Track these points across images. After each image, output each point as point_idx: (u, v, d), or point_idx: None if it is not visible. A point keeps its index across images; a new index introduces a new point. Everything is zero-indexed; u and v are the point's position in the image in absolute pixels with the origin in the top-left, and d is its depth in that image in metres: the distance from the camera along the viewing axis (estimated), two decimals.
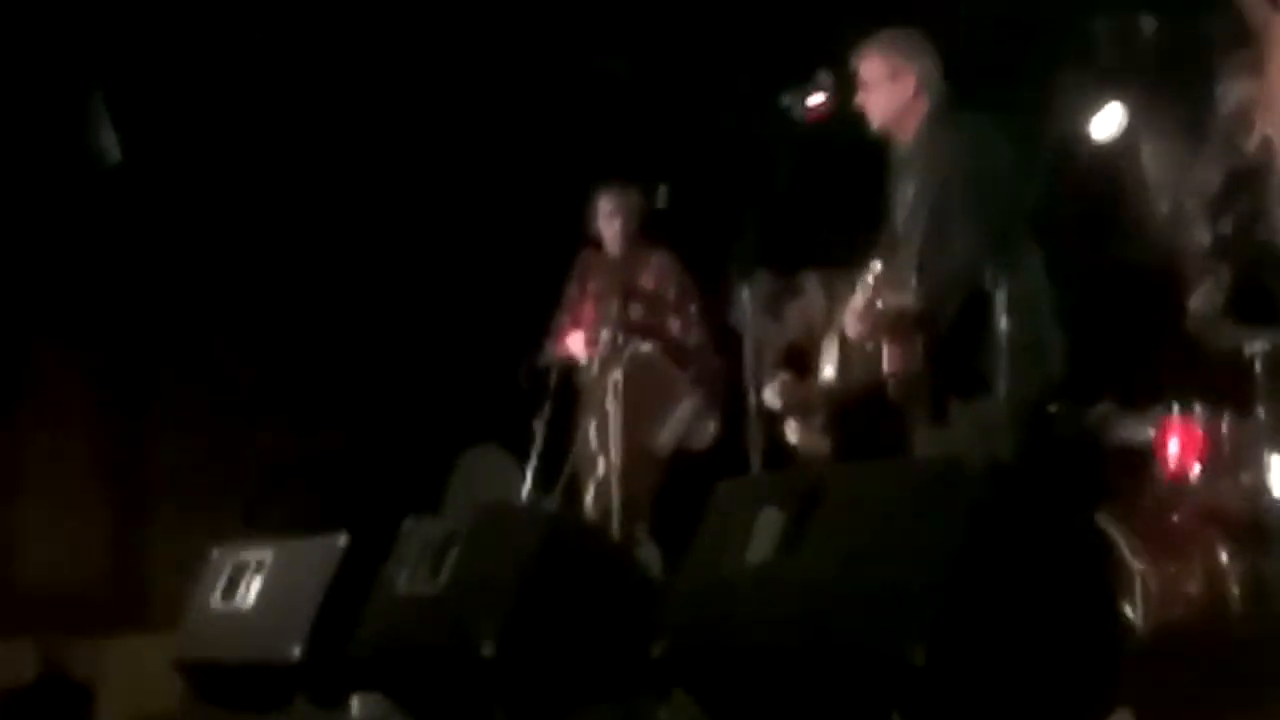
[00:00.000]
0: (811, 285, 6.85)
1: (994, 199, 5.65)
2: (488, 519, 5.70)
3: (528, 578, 5.17)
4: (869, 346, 5.93)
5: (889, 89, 6.01)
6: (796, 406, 6.47)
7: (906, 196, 5.94)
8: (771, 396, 6.43)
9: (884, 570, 4.10)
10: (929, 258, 5.67)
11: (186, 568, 6.87)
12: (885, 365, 5.84)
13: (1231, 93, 5.75)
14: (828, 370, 6.67)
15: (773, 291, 6.76)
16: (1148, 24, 6.37)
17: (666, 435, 7.57)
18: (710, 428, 7.57)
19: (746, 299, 6.39)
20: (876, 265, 5.87)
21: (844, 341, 6.55)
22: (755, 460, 6.10)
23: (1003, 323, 5.42)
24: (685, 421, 7.56)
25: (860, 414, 6.53)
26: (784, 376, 6.50)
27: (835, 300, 6.65)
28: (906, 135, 6.04)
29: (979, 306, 5.55)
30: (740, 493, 4.79)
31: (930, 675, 3.91)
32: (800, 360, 6.69)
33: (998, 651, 4.02)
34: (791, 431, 6.65)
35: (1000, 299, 5.43)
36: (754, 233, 6.45)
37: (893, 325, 5.76)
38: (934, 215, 5.70)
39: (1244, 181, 5.71)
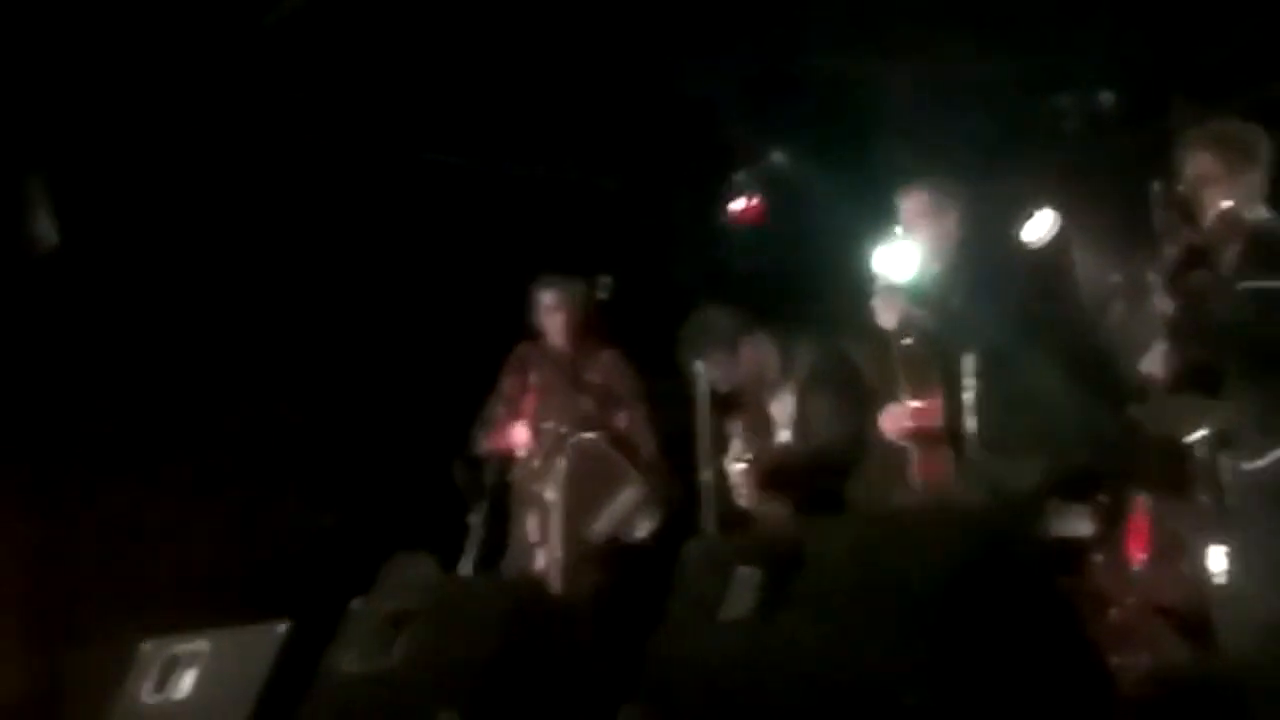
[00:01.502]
0: (764, 337, 7.01)
1: None
2: (442, 592, 5.61)
3: (488, 647, 5.07)
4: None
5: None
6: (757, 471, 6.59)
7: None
8: (735, 459, 6.52)
9: (871, 619, 4.07)
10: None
11: (112, 669, 6.67)
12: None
13: (1189, 164, 5.82)
14: (784, 433, 6.82)
15: (730, 327, 6.91)
16: (1106, 99, 6.50)
17: (603, 522, 7.48)
18: (650, 521, 7.50)
19: (701, 372, 6.47)
20: None
21: (802, 400, 6.74)
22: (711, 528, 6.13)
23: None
24: (626, 509, 7.48)
25: (818, 474, 6.65)
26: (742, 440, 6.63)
27: (787, 358, 6.88)
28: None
29: None
30: (710, 553, 4.74)
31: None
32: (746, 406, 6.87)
33: (986, 700, 3.99)
34: (746, 496, 6.71)
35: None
36: (705, 312, 6.56)
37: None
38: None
39: (1199, 256, 5.77)
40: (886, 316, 6.53)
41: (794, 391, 7.12)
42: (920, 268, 6.71)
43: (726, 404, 7.12)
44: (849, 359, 7.06)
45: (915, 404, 6.43)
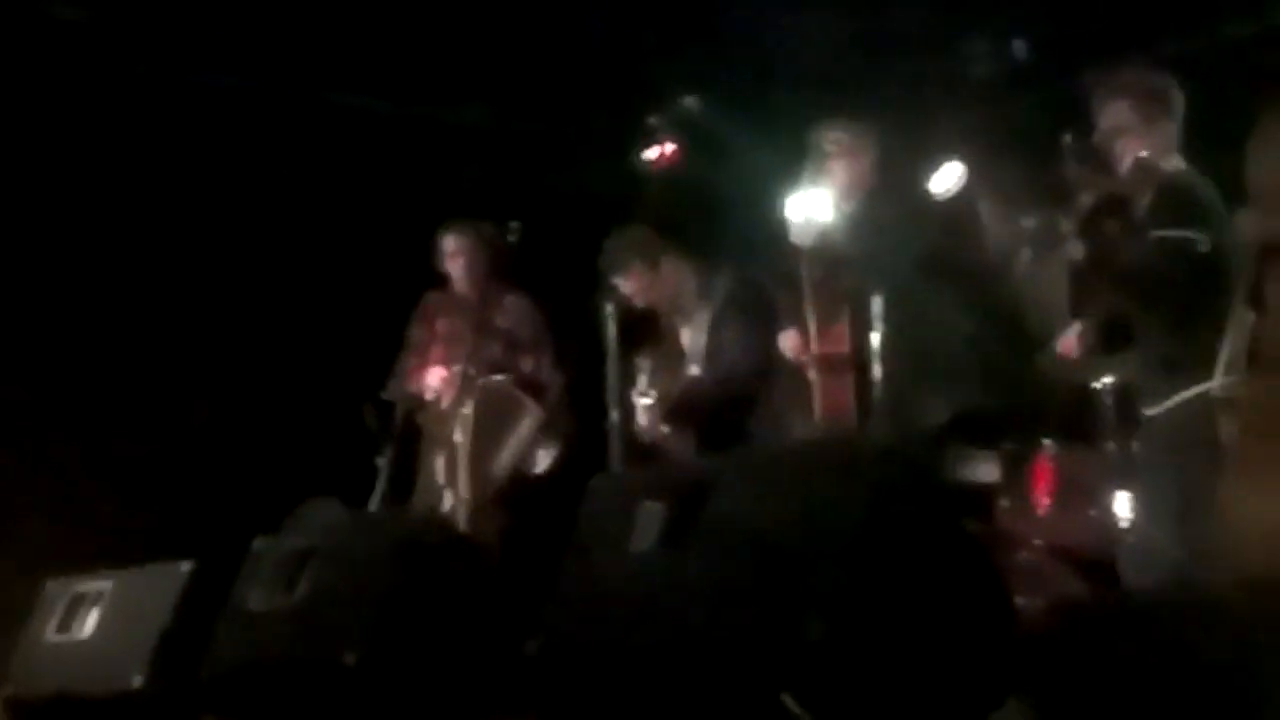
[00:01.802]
0: (684, 261, 7.05)
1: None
2: (345, 529, 5.58)
3: (391, 582, 5.05)
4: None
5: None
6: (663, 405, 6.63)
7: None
8: (640, 394, 6.55)
9: (777, 552, 4.06)
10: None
11: (14, 610, 6.61)
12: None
13: (1105, 115, 5.84)
14: (693, 368, 6.85)
15: (653, 243, 6.94)
16: (1019, 47, 6.51)
17: (505, 456, 7.49)
18: (548, 455, 7.53)
19: (610, 315, 6.48)
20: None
21: (716, 328, 6.77)
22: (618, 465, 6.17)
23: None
24: (524, 441, 7.50)
25: (724, 407, 6.68)
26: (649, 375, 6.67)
27: (704, 284, 6.92)
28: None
29: None
30: (616, 488, 4.73)
31: (825, 653, 3.86)
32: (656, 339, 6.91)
33: (891, 635, 3.98)
34: (651, 430, 6.74)
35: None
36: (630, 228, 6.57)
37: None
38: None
39: (1115, 204, 5.80)
40: (799, 250, 6.56)
41: (708, 319, 7.15)
42: (833, 209, 6.73)
43: (635, 339, 7.12)
44: (765, 290, 7.07)
45: (820, 328, 6.46)
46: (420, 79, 8.36)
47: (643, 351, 7.11)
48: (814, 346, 6.57)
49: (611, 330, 6.69)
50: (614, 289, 7.01)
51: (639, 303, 7.16)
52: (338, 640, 4.97)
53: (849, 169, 6.81)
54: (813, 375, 6.52)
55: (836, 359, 6.53)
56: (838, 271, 6.59)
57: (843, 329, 6.53)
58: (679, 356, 7.19)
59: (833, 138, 6.82)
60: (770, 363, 6.87)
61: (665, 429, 6.94)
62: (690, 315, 7.24)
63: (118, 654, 5.90)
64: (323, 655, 5.00)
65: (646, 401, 6.91)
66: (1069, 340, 6.07)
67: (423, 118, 8.58)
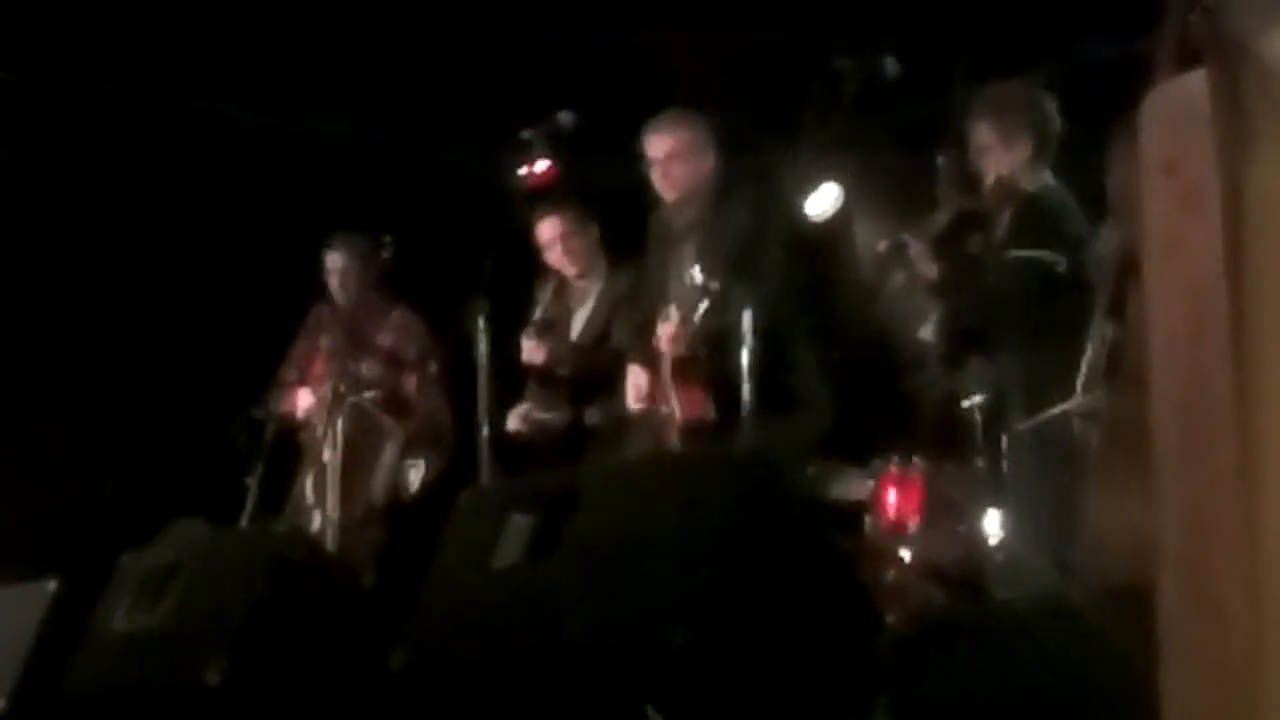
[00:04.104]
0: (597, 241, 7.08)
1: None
2: (210, 546, 5.52)
3: (255, 600, 4.98)
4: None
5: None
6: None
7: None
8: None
9: (641, 561, 4.06)
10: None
11: None
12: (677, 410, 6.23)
13: (971, 134, 5.91)
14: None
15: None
16: (890, 65, 6.52)
17: (375, 479, 7.46)
18: (419, 473, 7.49)
19: (481, 329, 6.46)
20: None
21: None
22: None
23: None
24: (389, 464, 7.48)
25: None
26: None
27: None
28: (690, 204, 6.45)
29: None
30: (484, 501, 4.71)
31: (687, 662, 3.87)
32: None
33: (753, 645, 4.00)
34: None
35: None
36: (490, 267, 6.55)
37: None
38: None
39: (973, 222, 5.86)
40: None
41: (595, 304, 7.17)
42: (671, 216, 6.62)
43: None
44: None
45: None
46: (285, 90, 8.29)
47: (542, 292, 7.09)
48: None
49: (483, 344, 6.67)
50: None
51: (553, 251, 7.14)
52: (201, 659, 4.90)
53: (687, 172, 6.50)
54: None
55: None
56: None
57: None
58: (566, 324, 7.19)
59: (664, 137, 6.52)
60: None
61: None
62: (585, 297, 7.23)
63: None
64: (185, 675, 4.93)
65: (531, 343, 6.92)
66: (928, 329, 6.17)
67: (289, 129, 8.51)
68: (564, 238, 7.11)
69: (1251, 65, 2.03)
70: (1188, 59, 2.08)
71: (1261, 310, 2.00)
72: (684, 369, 6.26)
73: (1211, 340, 2.02)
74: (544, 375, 7.02)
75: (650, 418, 6.33)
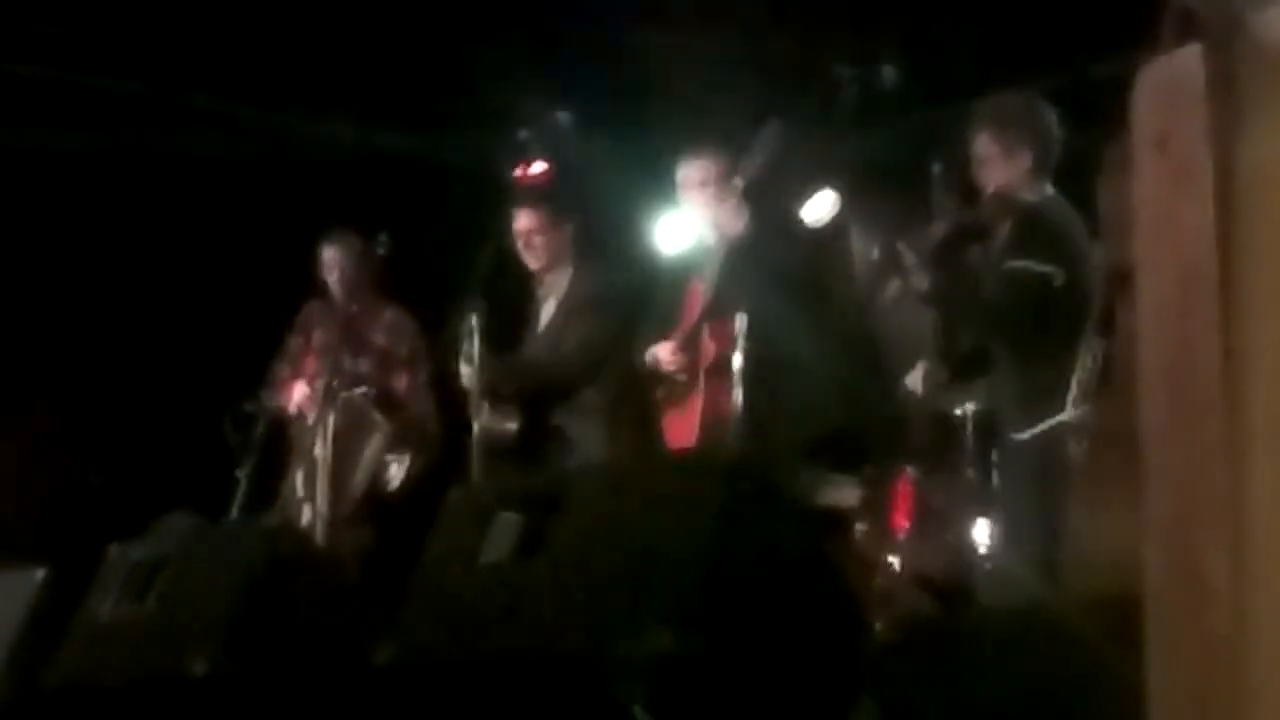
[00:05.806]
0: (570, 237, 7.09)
1: None
2: (197, 539, 5.51)
3: (243, 593, 4.98)
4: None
5: None
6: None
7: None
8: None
9: (630, 563, 4.05)
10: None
11: None
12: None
13: (971, 145, 5.92)
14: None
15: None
16: (888, 74, 6.55)
17: (360, 473, 7.45)
18: (401, 470, 7.49)
19: (474, 325, 6.47)
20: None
21: (563, 319, 6.77)
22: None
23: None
24: (375, 458, 7.47)
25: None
26: None
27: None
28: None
29: None
30: (473, 499, 4.71)
31: (675, 664, 3.87)
32: None
33: (740, 648, 3.99)
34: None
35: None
36: (484, 267, 6.54)
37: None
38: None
39: (971, 234, 5.86)
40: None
41: (560, 304, 7.21)
42: (700, 238, 6.73)
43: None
44: (630, 297, 7.08)
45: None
46: (283, 88, 8.29)
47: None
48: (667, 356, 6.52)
49: (476, 342, 6.68)
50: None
51: (521, 245, 7.19)
52: (187, 651, 4.89)
53: (715, 198, 6.62)
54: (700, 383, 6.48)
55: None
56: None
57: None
58: (525, 323, 7.26)
59: (697, 166, 6.70)
60: (604, 365, 6.92)
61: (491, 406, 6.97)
62: (552, 292, 7.27)
63: None
64: (171, 666, 4.92)
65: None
66: (916, 379, 6.19)
67: (284, 126, 8.51)
68: (531, 232, 7.17)
69: (1245, 41, 2.03)
70: (1183, 34, 2.08)
71: (1251, 285, 2.00)
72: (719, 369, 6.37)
73: (1200, 314, 2.02)
74: (489, 394, 7.04)
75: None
